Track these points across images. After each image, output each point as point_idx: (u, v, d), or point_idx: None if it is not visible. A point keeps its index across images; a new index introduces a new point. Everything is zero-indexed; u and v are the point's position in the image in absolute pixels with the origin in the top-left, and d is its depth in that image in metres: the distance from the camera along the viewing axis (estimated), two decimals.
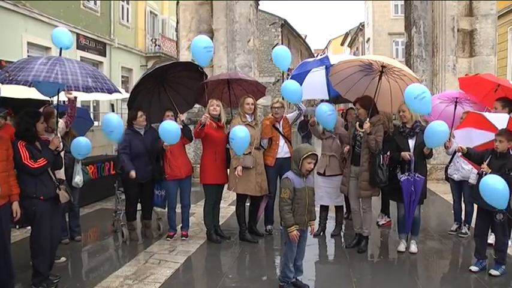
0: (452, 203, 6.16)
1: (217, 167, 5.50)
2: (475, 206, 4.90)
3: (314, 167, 4.00)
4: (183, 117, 5.56)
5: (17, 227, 5.77)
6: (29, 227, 4.49)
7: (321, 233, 5.87)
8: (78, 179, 5.45)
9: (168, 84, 5.72)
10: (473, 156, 4.62)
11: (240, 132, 4.85)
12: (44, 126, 4.15)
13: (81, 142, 4.75)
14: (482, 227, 4.61)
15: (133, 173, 5.30)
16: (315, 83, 6.06)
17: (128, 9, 19.92)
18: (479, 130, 4.58)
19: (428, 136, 4.58)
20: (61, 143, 4.29)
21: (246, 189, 5.44)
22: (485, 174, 4.30)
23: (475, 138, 4.64)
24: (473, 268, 4.55)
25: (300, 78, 6.00)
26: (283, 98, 5.94)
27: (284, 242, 4.05)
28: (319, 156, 5.83)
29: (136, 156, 5.45)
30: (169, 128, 4.97)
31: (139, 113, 5.55)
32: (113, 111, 17.58)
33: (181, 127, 5.48)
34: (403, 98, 5.22)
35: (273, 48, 30.12)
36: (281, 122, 5.76)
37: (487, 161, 4.40)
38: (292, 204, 3.91)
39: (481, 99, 5.63)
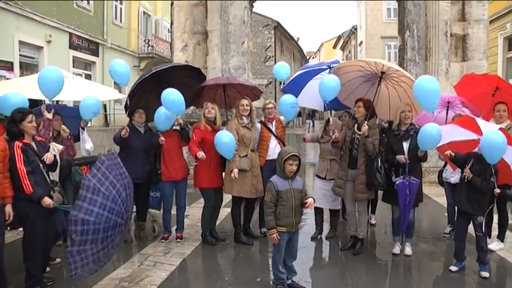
0: (446, 206, 6.21)
1: (212, 171, 5.47)
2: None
3: (298, 168, 3.99)
4: (180, 120, 5.52)
5: (9, 228, 5.69)
6: (21, 229, 4.44)
7: (318, 236, 5.87)
8: (89, 145, 5.45)
9: (167, 83, 5.70)
10: (457, 159, 4.67)
11: (224, 137, 4.94)
12: (32, 125, 4.03)
13: (89, 101, 4.95)
14: (462, 229, 4.69)
15: (125, 130, 5.33)
16: (314, 93, 5.86)
17: (121, 9, 19.85)
18: (463, 129, 4.63)
19: (422, 138, 4.61)
20: (54, 155, 4.23)
21: (241, 192, 5.42)
22: (467, 178, 4.40)
23: (455, 134, 4.64)
24: (453, 268, 4.68)
25: (301, 79, 5.96)
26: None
27: (272, 243, 4.06)
28: (319, 160, 5.89)
29: (134, 153, 5.43)
30: (173, 97, 5.01)
31: (139, 111, 5.54)
32: (105, 111, 17.51)
33: (179, 130, 5.48)
34: (401, 104, 5.29)
35: (265, 50, 30.21)
36: (274, 123, 5.75)
37: (469, 165, 4.47)
38: (277, 206, 3.94)
39: (472, 98, 5.68)
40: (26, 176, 3.80)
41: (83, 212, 3.44)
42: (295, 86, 5.98)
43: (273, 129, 5.72)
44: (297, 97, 5.69)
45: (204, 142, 5.40)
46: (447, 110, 5.81)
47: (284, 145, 5.75)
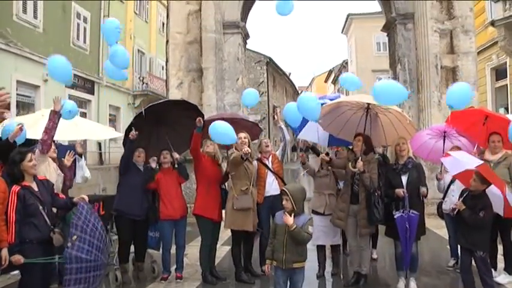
0: (446, 237, 6.16)
1: (211, 200, 5.42)
2: None
3: (288, 205, 3.85)
4: (177, 155, 5.53)
5: (0, 272, 5.54)
6: (15, 272, 4.32)
7: (322, 275, 5.73)
8: (87, 173, 5.37)
9: (167, 124, 5.73)
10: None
11: (219, 128, 4.90)
12: (33, 164, 3.99)
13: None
14: (466, 263, 4.65)
15: (134, 132, 5.27)
16: (317, 127, 5.89)
17: None
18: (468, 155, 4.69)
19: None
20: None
21: (243, 225, 5.33)
22: (458, 210, 4.42)
23: (465, 162, 4.66)
24: None
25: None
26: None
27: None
28: (315, 195, 5.86)
29: (132, 190, 5.39)
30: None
31: (138, 150, 5.55)
32: (100, 149, 17.48)
33: (176, 166, 5.48)
34: (395, 130, 5.36)
35: (258, 86, 30.50)
36: (270, 159, 5.76)
37: (463, 197, 4.49)
38: (274, 239, 3.93)
39: (466, 128, 5.76)
40: (14, 225, 3.72)
41: (75, 249, 3.68)
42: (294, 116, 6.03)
43: (270, 165, 5.73)
44: (298, 129, 5.72)
45: (203, 173, 5.41)
46: (444, 140, 5.85)
47: (282, 180, 5.74)
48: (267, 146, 5.78)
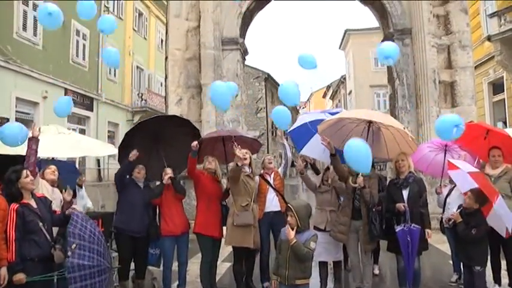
0: (449, 253, 6.11)
1: (211, 216, 5.38)
2: None
3: (293, 221, 3.83)
4: (169, 170, 5.49)
5: None
6: None
7: None
8: (89, 203, 5.30)
9: (165, 140, 5.72)
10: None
11: (219, 87, 5.05)
12: (30, 179, 3.97)
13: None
14: (469, 280, 4.70)
15: (134, 152, 5.23)
16: (320, 144, 5.75)
17: None
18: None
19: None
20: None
21: (243, 242, 5.28)
22: (454, 222, 4.44)
23: (471, 182, 4.64)
24: None
25: (307, 129, 5.95)
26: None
27: None
28: (316, 211, 5.82)
29: (132, 207, 5.34)
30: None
31: (138, 166, 5.52)
32: (99, 166, 17.45)
33: (171, 181, 5.43)
34: (398, 145, 5.35)
35: (257, 102, 30.64)
36: (272, 175, 5.76)
37: (460, 209, 4.51)
38: (279, 255, 3.91)
39: (468, 142, 5.76)
40: (14, 243, 3.67)
41: (76, 257, 3.72)
42: (299, 134, 6.08)
43: (271, 181, 5.72)
44: (300, 145, 5.70)
45: (202, 190, 5.39)
46: (445, 153, 5.85)
47: (283, 197, 5.72)
48: (270, 163, 5.78)
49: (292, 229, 3.79)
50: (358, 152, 4.32)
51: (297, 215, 3.79)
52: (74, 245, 3.76)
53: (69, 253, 3.74)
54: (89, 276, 3.76)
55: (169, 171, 5.45)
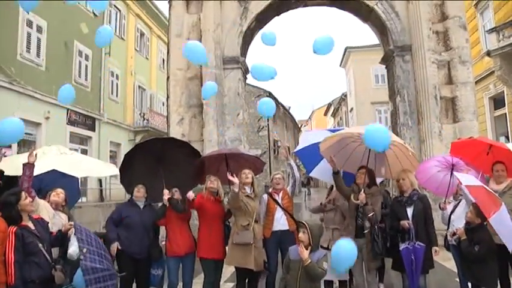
0: (455, 270, 6.00)
1: (213, 240, 5.33)
2: None
3: (304, 238, 3.80)
4: (167, 191, 5.45)
5: None
6: None
7: None
8: (73, 249, 5.18)
9: (168, 162, 5.71)
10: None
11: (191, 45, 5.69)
12: (29, 201, 3.95)
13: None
14: None
15: (114, 246, 5.07)
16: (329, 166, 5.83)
17: (117, 84, 20.37)
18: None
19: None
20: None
21: (243, 263, 5.20)
22: (458, 238, 4.36)
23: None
24: None
25: (315, 150, 5.87)
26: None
27: None
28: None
29: (131, 228, 5.28)
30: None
31: (138, 186, 5.49)
32: (101, 186, 17.40)
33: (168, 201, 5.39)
34: (400, 162, 5.32)
35: (258, 120, 30.65)
36: (280, 194, 5.72)
37: (464, 226, 4.45)
38: (287, 275, 3.85)
39: (472, 159, 5.72)
40: (13, 266, 3.62)
41: (88, 260, 3.87)
42: (307, 152, 6.06)
43: (279, 200, 5.68)
44: (309, 166, 5.63)
45: (204, 211, 5.34)
46: (451, 174, 5.75)
47: (292, 216, 5.67)
48: (278, 184, 5.74)
49: (306, 248, 3.73)
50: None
51: (311, 233, 3.74)
52: (84, 249, 3.90)
53: (82, 257, 3.88)
54: (102, 278, 3.91)
55: (166, 193, 5.41)
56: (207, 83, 7.03)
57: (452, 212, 5.58)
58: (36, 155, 4.70)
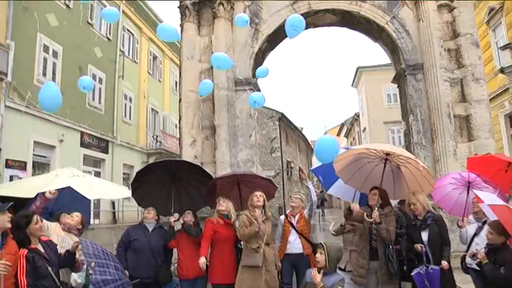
0: None
1: (225, 266, 5.27)
2: None
3: (321, 259, 3.78)
4: (174, 217, 5.44)
5: None
6: None
7: None
8: (77, 276, 5.13)
9: (181, 183, 5.72)
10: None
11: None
12: (39, 226, 3.96)
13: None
14: None
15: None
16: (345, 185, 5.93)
17: (130, 107, 20.61)
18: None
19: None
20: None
21: (254, 286, 5.07)
22: (480, 263, 4.18)
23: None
24: None
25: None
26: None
27: None
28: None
29: (138, 251, 5.25)
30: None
31: (148, 208, 5.48)
32: (114, 208, 17.43)
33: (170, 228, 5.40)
34: (417, 181, 5.21)
35: (271, 141, 30.60)
36: (296, 217, 5.64)
37: (485, 249, 4.26)
38: None
39: (490, 177, 5.57)
40: None
41: (98, 274, 3.99)
42: (324, 170, 6.01)
43: (294, 223, 5.60)
44: (327, 182, 5.79)
45: (216, 236, 5.27)
46: (468, 191, 5.60)
47: (307, 239, 5.58)
48: (293, 202, 5.73)
49: (319, 271, 3.66)
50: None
51: (328, 255, 3.68)
52: (93, 263, 3.99)
53: (91, 271, 3.96)
54: None
55: (173, 218, 5.39)
56: (203, 81, 7.39)
57: (476, 234, 5.35)
58: (54, 192, 4.83)
